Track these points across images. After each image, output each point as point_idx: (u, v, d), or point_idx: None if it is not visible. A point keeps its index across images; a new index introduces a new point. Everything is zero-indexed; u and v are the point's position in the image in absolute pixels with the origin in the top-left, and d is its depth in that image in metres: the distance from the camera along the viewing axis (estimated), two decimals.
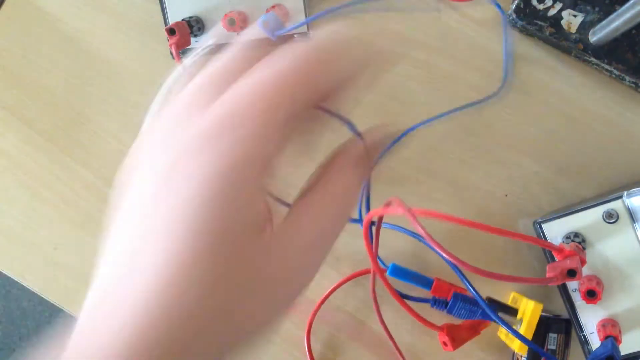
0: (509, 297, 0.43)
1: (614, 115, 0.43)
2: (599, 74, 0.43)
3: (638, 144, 0.43)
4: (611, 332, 0.37)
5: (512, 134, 0.44)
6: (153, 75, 0.49)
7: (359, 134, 0.21)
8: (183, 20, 0.43)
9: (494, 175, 0.44)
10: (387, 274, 0.40)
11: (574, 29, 0.42)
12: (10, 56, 0.51)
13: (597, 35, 0.41)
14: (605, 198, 0.38)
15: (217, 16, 0.43)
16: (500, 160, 0.44)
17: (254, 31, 0.21)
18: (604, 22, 0.40)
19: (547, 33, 0.42)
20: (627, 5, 0.37)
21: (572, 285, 0.39)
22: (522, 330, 0.38)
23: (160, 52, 0.48)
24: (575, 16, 0.42)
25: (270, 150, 0.17)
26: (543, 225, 0.40)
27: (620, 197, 0.37)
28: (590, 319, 0.38)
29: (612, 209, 0.37)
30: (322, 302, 0.45)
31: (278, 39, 0.40)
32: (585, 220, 0.38)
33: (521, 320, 0.39)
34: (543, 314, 0.39)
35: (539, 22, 0.43)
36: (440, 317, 0.39)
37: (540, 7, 0.43)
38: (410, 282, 0.40)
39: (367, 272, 0.44)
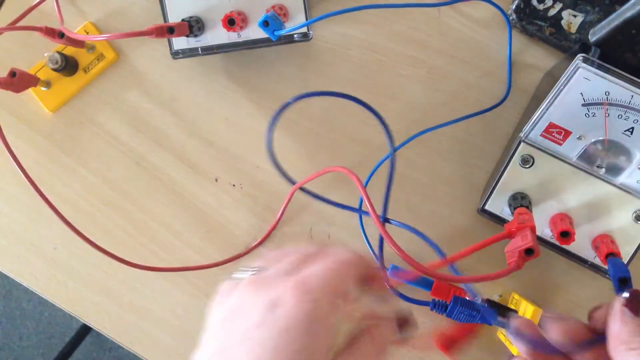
0: (510, 297, 0.43)
1: None
2: None
3: None
4: (610, 248, 0.36)
5: (512, 134, 0.44)
6: (153, 75, 0.49)
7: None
8: (183, 20, 0.43)
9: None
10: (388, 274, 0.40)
11: (574, 29, 0.42)
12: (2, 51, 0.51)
13: (597, 35, 0.41)
14: (510, 150, 0.39)
15: (217, 16, 0.43)
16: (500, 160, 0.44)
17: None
18: (604, 22, 0.40)
19: (547, 33, 0.42)
20: (627, 5, 0.37)
21: (547, 233, 0.39)
22: None
23: (160, 52, 0.48)
24: (575, 16, 0.42)
25: (338, 304, 0.25)
26: (487, 208, 0.40)
27: (520, 141, 0.38)
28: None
29: (524, 155, 0.38)
30: None
31: (278, 38, 0.40)
32: (511, 179, 0.39)
33: None
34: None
35: (539, 22, 0.43)
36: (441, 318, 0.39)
37: (540, 7, 0.43)
38: (410, 284, 0.40)
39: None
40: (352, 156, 0.46)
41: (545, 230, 0.39)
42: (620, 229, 0.38)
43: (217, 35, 0.44)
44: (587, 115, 0.36)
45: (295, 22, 0.43)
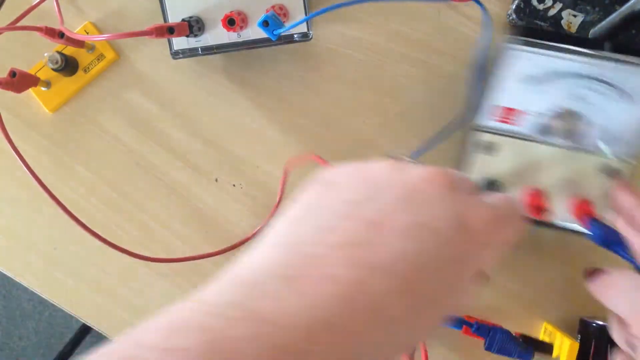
0: (541, 327, 0.43)
1: None
2: None
3: None
4: (587, 210, 0.37)
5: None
6: (153, 75, 0.49)
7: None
8: (183, 20, 0.43)
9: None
10: None
11: (574, 29, 0.42)
12: (2, 51, 0.51)
13: (597, 35, 0.41)
14: (470, 140, 0.39)
15: (217, 16, 0.43)
16: None
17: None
18: (604, 22, 0.40)
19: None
20: (627, 5, 0.37)
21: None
22: None
23: (160, 52, 0.48)
24: (575, 16, 0.42)
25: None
26: None
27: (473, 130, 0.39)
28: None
29: (484, 143, 0.39)
30: None
31: (278, 38, 0.40)
32: (480, 169, 0.40)
33: (558, 358, 0.39)
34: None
35: (539, 22, 0.43)
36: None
37: (540, 7, 0.43)
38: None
39: None
40: (351, 155, 0.46)
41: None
42: (594, 189, 0.38)
43: (217, 35, 0.44)
44: (533, 92, 0.37)
45: (296, 22, 0.43)
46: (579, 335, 0.41)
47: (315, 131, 0.47)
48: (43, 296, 0.49)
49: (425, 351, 0.38)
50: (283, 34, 0.40)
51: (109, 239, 0.44)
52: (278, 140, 0.47)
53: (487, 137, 0.39)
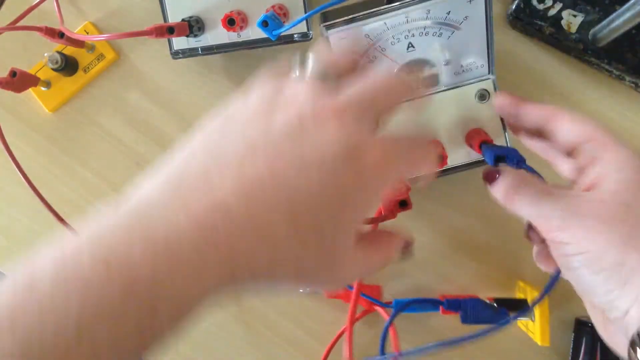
0: (516, 285, 0.44)
1: (614, 115, 0.43)
2: (599, 74, 0.43)
3: (638, 144, 0.43)
4: (483, 137, 0.38)
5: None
6: (153, 75, 0.49)
7: None
8: (183, 20, 0.43)
9: None
10: (393, 311, 0.40)
11: (574, 29, 0.42)
12: (2, 51, 0.51)
13: (597, 35, 0.41)
14: None
15: (217, 16, 0.43)
16: None
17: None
18: (604, 22, 0.40)
19: (547, 33, 0.42)
20: (627, 5, 0.37)
21: None
22: (537, 321, 0.40)
23: (160, 52, 0.48)
24: (575, 16, 0.42)
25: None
26: None
27: None
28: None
29: None
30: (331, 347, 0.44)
31: (278, 38, 0.40)
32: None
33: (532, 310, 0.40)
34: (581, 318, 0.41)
35: (539, 22, 0.43)
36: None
37: (540, 7, 0.43)
38: (418, 311, 0.40)
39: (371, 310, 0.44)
40: None
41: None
42: (478, 118, 0.39)
43: (217, 35, 0.44)
44: (369, 61, 0.38)
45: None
46: (573, 334, 0.41)
47: None
48: None
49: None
50: (283, 33, 0.40)
51: None
52: None
53: None
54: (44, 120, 0.50)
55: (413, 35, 0.37)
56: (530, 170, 0.30)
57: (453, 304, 0.40)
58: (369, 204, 0.24)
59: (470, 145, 0.39)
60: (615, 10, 0.39)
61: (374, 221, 0.33)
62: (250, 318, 0.46)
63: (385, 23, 0.37)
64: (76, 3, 0.50)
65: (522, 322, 0.42)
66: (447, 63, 0.38)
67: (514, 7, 0.43)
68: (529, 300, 0.41)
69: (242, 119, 0.23)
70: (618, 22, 0.39)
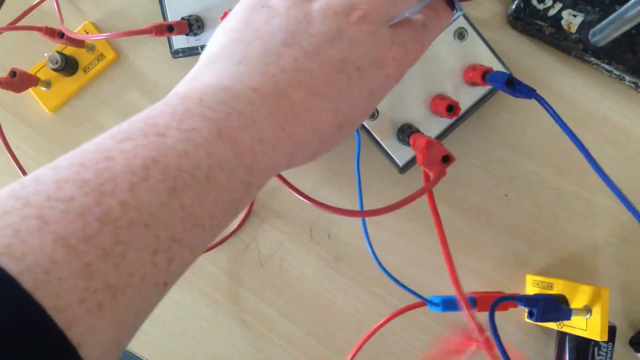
0: (526, 280, 0.43)
1: (614, 115, 0.43)
2: (599, 74, 0.43)
3: (638, 144, 0.43)
4: (482, 70, 0.39)
5: (512, 134, 0.44)
6: (153, 75, 0.49)
7: None
8: (183, 19, 0.43)
9: (494, 175, 0.44)
10: (430, 308, 0.39)
11: (574, 29, 0.42)
12: (2, 51, 0.51)
13: (597, 35, 0.41)
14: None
15: (217, 14, 0.43)
16: (500, 160, 0.44)
17: None
18: (604, 22, 0.40)
19: (547, 33, 0.42)
20: (627, 5, 0.37)
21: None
22: (595, 319, 0.37)
23: (160, 52, 0.48)
24: (575, 16, 0.42)
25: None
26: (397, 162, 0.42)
27: None
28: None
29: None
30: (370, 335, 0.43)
31: None
32: (379, 132, 0.42)
33: (588, 307, 0.38)
34: None
35: (539, 22, 0.43)
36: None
37: (540, 7, 0.43)
38: (453, 309, 0.38)
39: (419, 305, 0.41)
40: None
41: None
42: (465, 57, 0.41)
43: None
44: None
45: None
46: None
47: None
48: None
49: None
50: None
51: None
52: None
53: None
54: (44, 120, 0.50)
55: None
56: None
57: (528, 300, 0.38)
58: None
59: (474, 84, 0.40)
60: (615, 10, 0.39)
61: (425, 190, 0.31)
62: (250, 318, 0.46)
63: None
64: (76, 3, 0.50)
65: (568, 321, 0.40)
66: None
67: (513, 7, 0.43)
68: (564, 293, 0.39)
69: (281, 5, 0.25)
70: (618, 22, 0.39)
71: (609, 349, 0.39)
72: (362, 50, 0.24)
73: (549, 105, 0.32)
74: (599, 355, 0.39)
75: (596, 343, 0.39)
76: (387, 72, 0.25)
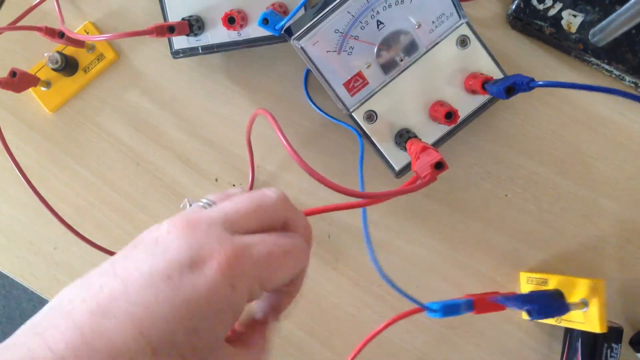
0: (519, 278, 0.43)
1: (614, 115, 0.43)
2: (599, 74, 0.43)
3: (638, 144, 0.43)
4: (483, 78, 0.39)
5: (512, 134, 0.44)
6: (153, 75, 0.49)
7: None
8: (183, 19, 0.43)
9: (494, 175, 0.44)
10: (429, 315, 0.37)
11: (574, 29, 0.42)
12: (2, 51, 0.51)
13: (597, 35, 0.41)
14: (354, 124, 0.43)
15: (217, 14, 0.43)
16: (500, 161, 0.44)
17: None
18: (604, 22, 0.40)
19: (547, 33, 0.42)
20: (627, 5, 0.37)
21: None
22: (592, 311, 0.37)
23: (160, 52, 0.48)
24: (575, 16, 0.42)
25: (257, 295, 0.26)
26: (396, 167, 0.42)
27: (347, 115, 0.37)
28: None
29: (365, 113, 0.41)
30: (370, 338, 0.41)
31: (280, 35, 0.40)
32: (378, 135, 0.42)
33: (585, 301, 0.38)
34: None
35: (539, 22, 0.43)
36: None
37: (540, 7, 0.43)
38: (452, 315, 0.37)
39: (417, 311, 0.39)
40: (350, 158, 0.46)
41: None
42: (466, 65, 0.41)
43: (217, 34, 0.44)
44: (349, 53, 0.39)
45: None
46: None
47: (315, 131, 0.47)
48: (43, 296, 0.49)
49: None
50: (285, 24, 0.39)
51: (108, 239, 0.43)
52: (278, 140, 0.47)
53: (359, 114, 0.41)
54: (44, 120, 0.50)
55: (378, 13, 0.39)
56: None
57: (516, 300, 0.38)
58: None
59: (474, 92, 0.40)
60: (615, 10, 0.39)
61: (410, 191, 0.30)
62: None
63: (348, 12, 0.38)
64: (76, 3, 0.50)
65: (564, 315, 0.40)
66: (419, 25, 0.40)
67: (513, 7, 0.43)
68: (561, 288, 0.39)
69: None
70: (618, 22, 0.39)
71: (619, 350, 0.39)
72: None
73: (552, 81, 0.32)
74: (611, 357, 0.39)
75: (609, 345, 0.39)
76: None
